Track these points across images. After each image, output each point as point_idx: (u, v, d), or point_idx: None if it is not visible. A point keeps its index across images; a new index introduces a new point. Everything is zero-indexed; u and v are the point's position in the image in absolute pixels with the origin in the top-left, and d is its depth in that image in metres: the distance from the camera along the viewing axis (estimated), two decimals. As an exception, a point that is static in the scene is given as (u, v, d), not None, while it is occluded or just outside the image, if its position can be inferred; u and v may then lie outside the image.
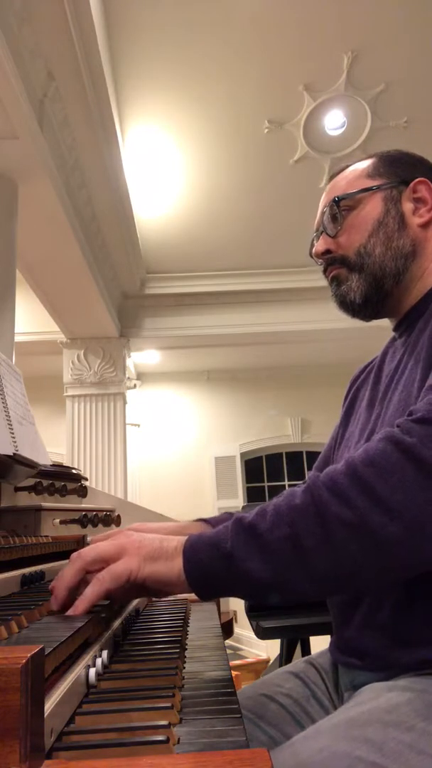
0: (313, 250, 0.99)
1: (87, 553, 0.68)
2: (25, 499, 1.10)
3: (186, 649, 0.74)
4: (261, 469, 7.55)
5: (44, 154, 3.07)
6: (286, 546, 0.61)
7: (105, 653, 0.61)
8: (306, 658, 0.97)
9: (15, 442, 0.96)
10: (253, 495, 7.35)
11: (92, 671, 0.56)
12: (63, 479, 1.30)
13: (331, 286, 0.97)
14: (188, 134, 3.98)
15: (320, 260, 0.98)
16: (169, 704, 0.48)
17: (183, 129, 3.93)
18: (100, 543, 0.69)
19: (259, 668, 4.08)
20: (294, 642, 1.97)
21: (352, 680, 0.80)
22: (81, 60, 2.98)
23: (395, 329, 0.96)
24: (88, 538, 1.06)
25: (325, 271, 0.98)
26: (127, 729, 0.43)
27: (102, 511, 1.43)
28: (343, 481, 0.62)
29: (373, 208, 0.92)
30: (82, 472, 1.49)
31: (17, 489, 1.08)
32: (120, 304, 5.84)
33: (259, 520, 0.64)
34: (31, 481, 1.11)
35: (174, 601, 1.07)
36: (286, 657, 1.95)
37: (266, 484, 7.49)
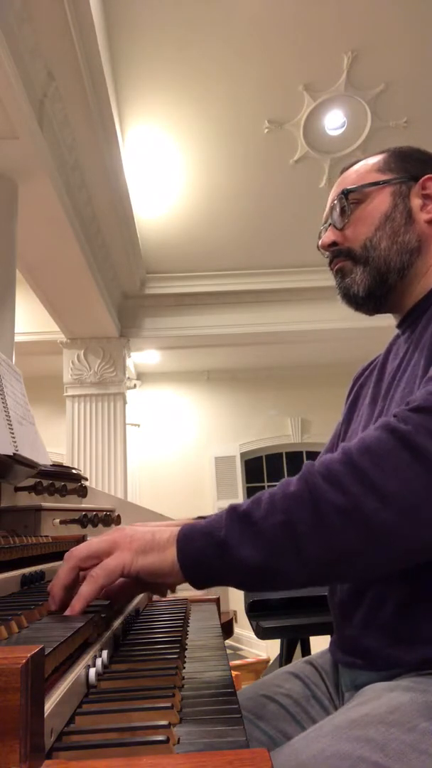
0: (320, 241, 0.99)
1: (79, 550, 0.68)
2: (25, 499, 1.10)
3: (186, 649, 0.74)
4: (261, 469, 7.55)
5: (44, 154, 3.08)
6: (280, 532, 0.61)
7: (105, 653, 0.61)
8: (306, 658, 0.97)
9: (15, 442, 0.96)
10: (253, 495, 7.35)
11: (92, 671, 0.56)
12: (63, 479, 1.30)
13: (335, 278, 0.98)
14: (188, 134, 3.98)
15: (326, 252, 0.98)
16: (169, 704, 0.48)
17: (183, 129, 3.93)
18: (92, 540, 0.70)
19: (259, 668, 4.08)
20: (294, 642, 1.97)
21: (353, 680, 0.80)
22: (81, 60, 2.98)
23: (399, 326, 0.96)
24: (89, 538, 1.06)
25: (330, 263, 0.99)
26: (127, 729, 0.43)
27: (102, 511, 1.43)
28: (338, 467, 0.62)
29: (381, 202, 0.93)
30: (82, 472, 1.49)
31: (17, 489, 1.08)
32: (120, 304, 5.84)
33: (253, 507, 0.64)
34: (31, 481, 1.11)
35: (174, 601, 1.07)
36: (286, 657, 1.95)
37: (266, 484, 7.49)
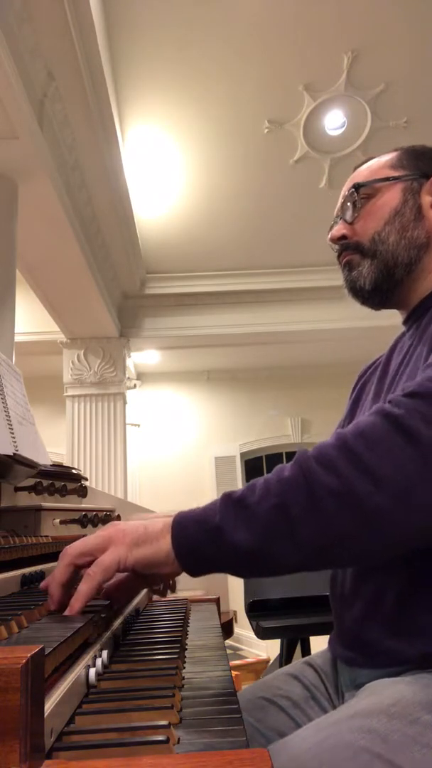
0: (330, 234, 1.00)
1: (73, 547, 0.68)
2: (25, 499, 1.10)
3: (186, 649, 0.74)
4: (261, 469, 7.55)
5: (44, 154, 3.07)
6: (274, 516, 0.61)
7: (105, 653, 0.61)
8: (305, 659, 0.97)
9: (15, 442, 0.96)
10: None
11: (92, 671, 0.56)
12: (63, 479, 1.30)
13: (343, 271, 0.98)
14: (188, 134, 3.98)
15: (335, 245, 0.99)
16: (169, 704, 0.48)
17: (183, 129, 3.93)
18: (86, 537, 0.70)
19: (259, 668, 4.08)
20: (294, 642, 1.97)
21: (353, 680, 0.80)
22: (81, 60, 2.98)
23: (404, 322, 0.97)
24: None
25: (339, 257, 0.99)
26: (127, 729, 0.43)
27: (102, 511, 1.43)
28: (332, 452, 0.63)
29: (391, 197, 0.94)
30: (82, 472, 1.49)
31: (17, 489, 1.08)
32: (120, 304, 5.84)
33: (248, 493, 0.64)
34: (31, 481, 1.11)
35: (174, 601, 1.07)
36: (286, 657, 1.95)
37: (266, 484, 7.49)
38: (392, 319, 0.99)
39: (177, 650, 0.67)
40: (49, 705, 0.42)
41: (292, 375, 7.33)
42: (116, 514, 1.53)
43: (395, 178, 0.94)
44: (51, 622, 0.60)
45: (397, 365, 0.90)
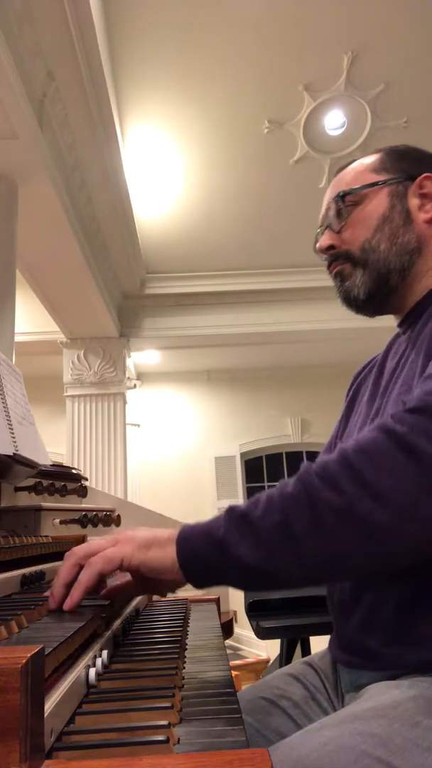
0: (317, 245, 0.98)
1: (80, 548, 0.69)
2: (25, 499, 1.10)
3: (186, 649, 0.74)
4: (261, 469, 7.55)
5: (44, 154, 3.07)
6: (278, 532, 0.62)
7: (105, 653, 0.61)
8: (305, 659, 0.97)
9: (15, 442, 0.96)
10: (253, 495, 7.34)
11: (92, 671, 0.56)
12: (63, 479, 1.30)
13: (335, 281, 0.97)
14: (188, 134, 3.98)
15: (324, 255, 0.97)
16: (169, 704, 0.48)
17: (183, 129, 3.92)
18: (94, 540, 0.70)
19: (259, 668, 4.07)
20: (294, 642, 1.97)
21: (353, 681, 0.80)
22: (81, 60, 2.98)
23: (399, 325, 0.96)
24: (88, 539, 1.07)
25: (329, 267, 0.98)
26: (127, 729, 0.43)
27: (102, 511, 1.43)
28: (334, 468, 0.63)
29: (378, 203, 0.92)
30: (82, 472, 1.49)
31: (17, 489, 1.08)
32: (120, 304, 5.83)
33: (251, 508, 0.65)
34: (31, 481, 1.11)
35: (174, 601, 1.07)
36: (286, 657, 1.95)
37: (266, 484, 7.49)
38: (392, 320, 0.99)
39: (177, 650, 0.67)
40: (49, 705, 0.42)
41: (292, 375, 7.33)
42: (116, 514, 1.53)
43: (381, 183, 0.92)
44: (51, 622, 0.60)
45: (393, 368, 0.89)
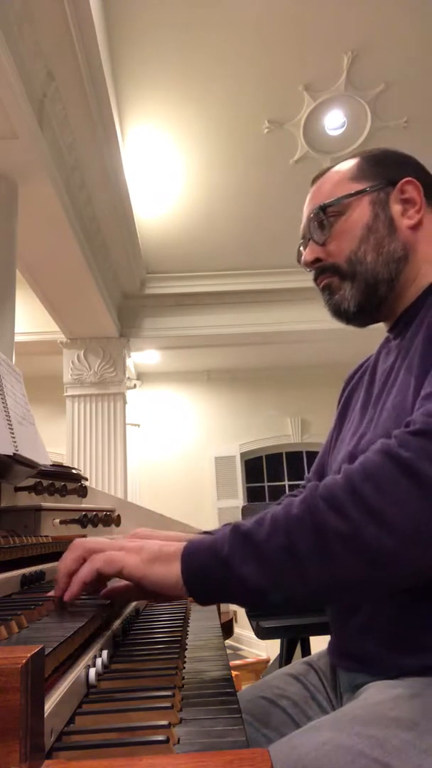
0: (302, 259, 0.97)
1: (87, 542, 0.70)
2: (25, 499, 1.10)
3: (186, 649, 0.74)
4: (261, 469, 7.55)
5: (44, 154, 3.07)
6: (283, 556, 0.62)
7: (105, 653, 0.61)
8: (305, 659, 0.97)
9: (15, 442, 0.96)
10: (253, 495, 7.35)
11: (92, 671, 0.56)
12: (63, 479, 1.30)
13: (323, 294, 0.95)
14: (188, 134, 3.98)
15: (309, 269, 0.96)
16: (169, 704, 0.48)
17: (183, 129, 3.92)
18: (104, 539, 0.71)
19: (259, 668, 4.08)
20: (294, 642, 1.97)
21: (351, 682, 0.80)
22: (81, 60, 2.98)
23: (390, 330, 0.95)
24: (89, 539, 1.06)
25: (315, 280, 0.96)
26: (127, 729, 0.43)
27: (102, 511, 1.43)
28: (340, 493, 0.62)
29: (361, 213, 0.90)
30: (82, 472, 1.49)
31: (17, 489, 1.08)
32: (120, 304, 5.83)
33: (256, 528, 0.65)
34: (31, 481, 1.11)
35: (174, 601, 1.07)
36: (286, 657, 1.95)
37: (266, 484, 7.49)
38: (384, 325, 0.98)
39: (177, 650, 0.67)
40: (49, 705, 0.42)
41: (292, 375, 7.33)
42: (116, 514, 1.53)
43: (362, 192, 0.90)
44: (51, 622, 0.60)
45: (384, 375, 0.88)
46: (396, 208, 0.90)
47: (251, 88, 3.62)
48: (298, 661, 0.97)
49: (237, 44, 3.32)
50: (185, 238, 5.16)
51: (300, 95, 3.70)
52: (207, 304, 5.88)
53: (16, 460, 0.94)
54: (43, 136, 3.02)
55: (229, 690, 0.57)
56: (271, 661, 3.54)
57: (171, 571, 0.66)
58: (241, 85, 3.60)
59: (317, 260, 0.94)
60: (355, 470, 0.64)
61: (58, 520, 1.14)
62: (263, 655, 4.84)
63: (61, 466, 1.36)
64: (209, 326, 5.88)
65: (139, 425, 7.15)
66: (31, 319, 5.29)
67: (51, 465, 1.18)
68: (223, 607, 1.21)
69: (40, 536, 0.97)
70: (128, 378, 6.12)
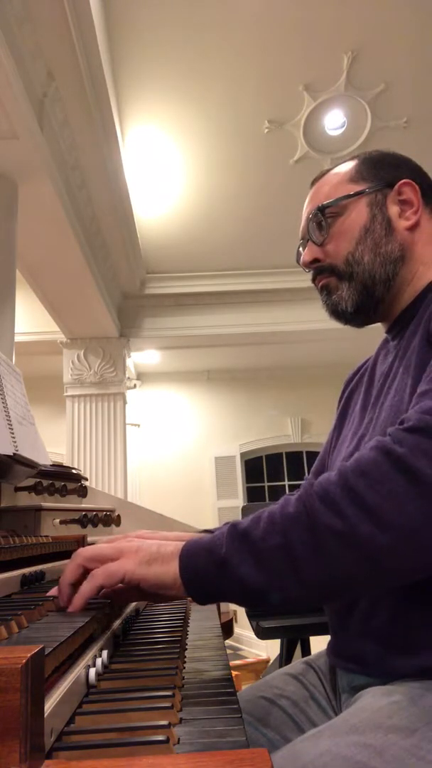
0: (301, 259, 0.98)
1: (86, 550, 0.70)
2: (25, 499, 1.10)
3: (186, 649, 0.74)
4: (261, 469, 7.55)
5: (44, 154, 3.07)
6: (279, 554, 0.62)
7: (105, 653, 0.61)
8: (304, 659, 0.97)
9: (15, 442, 0.96)
10: (253, 495, 7.35)
11: (92, 671, 0.56)
12: (63, 479, 1.30)
13: (321, 295, 0.96)
14: (188, 134, 3.98)
15: (308, 269, 0.97)
16: (169, 704, 0.48)
17: (183, 129, 3.92)
18: (101, 544, 0.71)
19: (259, 668, 4.08)
20: (294, 642, 1.97)
21: (350, 682, 0.80)
22: (81, 60, 2.98)
23: (388, 331, 0.96)
24: (89, 539, 1.07)
25: (314, 280, 0.97)
26: (127, 729, 0.43)
27: (102, 511, 1.43)
28: (335, 491, 0.63)
29: (358, 214, 0.91)
30: (82, 472, 1.49)
31: (17, 489, 1.08)
32: (120, 304, 5.83)
33: (253, 527, 0.65)
34: (31, 481, 1.11)
35: (174, 601, 1.07)
36: (286, 657, 1.95)
37: (266, 484, 7.49)
38: (382, 325, 0.98)
39: (177, 650, 0.67)
40: (49, 705, 0.42)
41: (292, 375, 7.33)
42: (116, 514, 1.53)
43: (359, 193, 0.91)
44: (51, 622, 0.60)
45: (383, 376, 0.89)
46: (393, 210, 0.91)
47: (251, 88, 3.62)
48: (297, 661, 0.97)
49: (237, 44, 3.32)
50: (185, 238, 5.16)
51: (300, 95, 3.70)
52: (207, 304, 5.88)
53: (16, 460, 0.94)
54: (43, 136, 3.02)
55: (229, 690, 0.57)
56: (271, 661, 3.54)
57: (169, 572, 0.66)
58: (241, 85, 3.60)
59: (315, 261, 0.95)
60: (349, 467, 0.64)
61: (58, 520, 1.14)
62: (263, 655, 4.84)
63: (61, 466, 1.36)
64: (209, 326, 5.88)
65: (139, 425, 7.16)
66: (31, 319, 5.29)
67: (51, 465, 1.18)
68: (223, 607, 1.21)
69: (40, 536, 0.97)
70: (128, 378, 6.12)
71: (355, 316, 0.93)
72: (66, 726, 0.45)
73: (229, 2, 3.08)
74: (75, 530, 1.21)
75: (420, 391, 0.70)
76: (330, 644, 0.88)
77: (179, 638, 0.73)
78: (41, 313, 5.10)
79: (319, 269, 0.95)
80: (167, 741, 0.40)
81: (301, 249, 0.99)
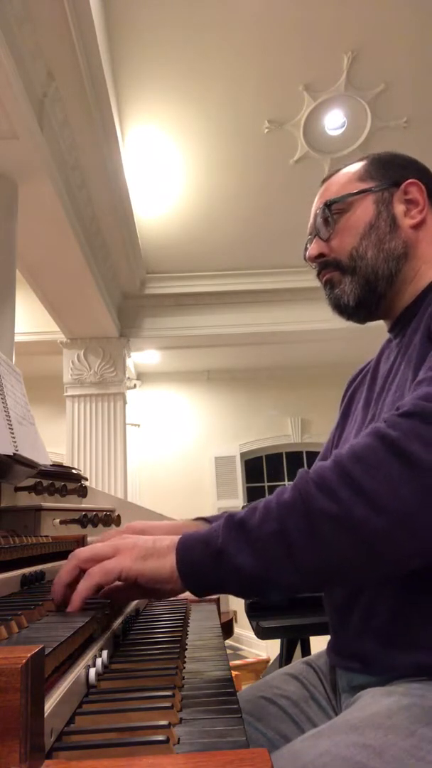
0: (307, 254, 0.99)
1: (82, 551, 0.70)
2: (25, 499, 1.10)
3: (186, 649, 0.74)
4: (261, 469, 7.55)
5: (44, 154, 3.07)
6: (275, 540, 0.62)
7: (105, 653, 0.61)
8: (304, 659, 0.97)
9: (15, 442, 0.96)
10: (253, 495, 7.35)
11: (92, 671, 0.56)
12: (63, 479, 1.30)
13: (325, 289, 0.98)
14: (188, 134, 3.98)
15: (314, 264, 0.99)
16: (169, 704, 0.48)
17: (183, 129, 3.92)
18: (96, 543, 0.71)
19: (259, 668, 4.08)
20: (294, 642, 1.97)
21: (349, 682, 0.80)
22: (81, 60, 2.98)
23: (390, 330, 0.97)
24: (89, 539, 1.07)
25: (318, 275, 0.99)
26: (127, 729, 0.43)
27: (102, 511, 1.43)
28: (330, 476, 0.63)
29: (364, 210, 0.93)
30: (82, 472, 1.49)
31: (17, 489, 1.08)
32: (120, 304, 5.83)
33: (249, 516, 0.65)
34: (31, 481, 1.11)
35: (174, 601, 1.07)
36: (286, 657, 1.95)
37: (266, 484, 7.49)
38: (385, 323, 0.99)
39: (177, 650, 0.67)
40: (49, 705, 0.42)
41: (292, 375, 7.33)
42: (116, 514, 1.53)
43: (366, 191, 0.93)
44: (51, 622, 0.60)
45: (385, 373, 0.90)
46: (399, 208, 0.92)
47: (251, 88, 3.62)
48: (297, 661, 0.97)
49: (237, 44, 3.32)
50: (185, 238, 5.16)
51: (300, 95, 3.70)
52: (207, 304, 5.88)
53: (16, 460, 0.94)
54: (43, 136, 3.02)
55: (229, 690, 0.57)
56: (271, 661, 3.54)
57: (166, 565, 0.66)
58: (241, 85, 3.60)
59: (321, 255, 0.97)
60: (344, 453, 0.64)
61: (58, 520, 1.14)
62: (263, 655, 4.84)
63: (61, 466, 1.36)
64: (209, 326, 5.88)
65: (139, 425, 7.16)
66: (31, 319, 5.29)
67: (51, 465, 1.18)
68: (223, 606, 1.21)
69: (40, 536, 0.97)
70: (128, 378, 6.12)
71: (357, 310, 0.94)
72: (66, 726, 0.45)
73: (229, 2, 3.08)
74: (75, 530, 1.21)
75: (417, 380, 0.71)
76: (330, 643, 0.88)
77: (179, 638, 0.73)
78: (41, 313, 5.10)
79: (324, 264, 0.97)
80: (167, 741, 0.40)
81: (308, 244, 1.00)
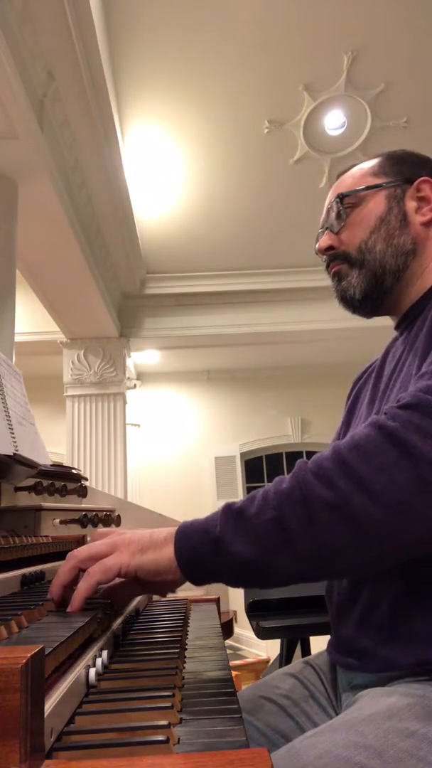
0: (317, 245, 1.00)
1: (80, 551, 0.70)
2: (25, 499, 1.10)
3: (186, 649, 0.74)
4: (261, 469, 7.55)
5: (44, 154, 3.07)
6: (272, 528, 0.63)
7: (105, 653, 0.61)
8: (304, 659, 0.97)
9: (15, 442, 0.96)
10: (253, 495, 7.35)
11: (92, 671, 0.56)
12: (63, 479, 1.30)
13: (332, 281, 0.99)
14: (188, 134, 3.98)
15: (324, 256, 1.00)
16: (169, 704, 0.48)
17: (183, 129, 3.92)
18: (93, 543, 0.71)
19: (259, 668, 4.08)
20: (294, 642, 1.97)
21: (350, 681, 0.80)
22: (81, 60, 2.98)
23: (396, 327, 0.98)
24: (88, 538, 1.07)
25: (327, 267, 1.00)
26: (127, 729, 0.43)
27: (102, 511, 1.43)
28: (328, 464, 0.64)
29: (376, 205, 0.94)
30: (82, 472, 1.49)
31: (17, 489, 1.08)
32: (120, 304, 5.83)
33: (247, 504, 0.66)
34: (31, 481, 1.11)
35: (174, 601, 1.07)
36: (286, 657, 1.95)
37: (266, 484, 7.47)
38: (391, 320, 0.99)
39: (177, 650, 0.67)
40: (49, 705, 0.42)
41: (292, 375, 7.33)
42: (116, 514, 1.53)
43: (379, 186, 0.94)
44: (51, 622, 0.60)
45: (390, 371, 0.90)
46: (411, 205, 0.93)
47: (251, 88, 3.62)
48: (297, 661, 0.97)
49: (237, 44, 3.32)
50: (185, 238, 5.16)
51: (300, 95, 3.70)
52: (207, 304, 5.88)
53: (16, 460, 0.94)
54: (43, 136, 3.02)
55: (229, 690, 0.57)
56: (271, 661, 3.54)
57: (164, 556, 0.67)
58: (241, 85, 3.60)
59: (330, 248, 0.97)
60: (343, 443, 0.65)
61: (58, 520, 1.14)
62: (263, 655, 4.84)
63: (61, 466, 1.36)
64: (209, 326, 5.88)
65: (139, 425, 7.15)
66: (31, 319, 5.29)
67: (51, 465, 1.18)
68: (223, 606, 1.21)
69: (40, 536, 0.97)
70: (128, 378, 6.12)
71: (363, 303, 0.95)
72: (66, 726, 0.45)
73: (229, 2, 3.08)
74: (75, 530, 1.21)
75: (420, 373, 0.72)
76: (330, 641, 0.88)
77: (179, 638, 0.73)
78: (41, 313, 5.10)
79: (333, 256, 0.98)
80: (167, 741, 0.40)
81: (319, 237, 1.01)
